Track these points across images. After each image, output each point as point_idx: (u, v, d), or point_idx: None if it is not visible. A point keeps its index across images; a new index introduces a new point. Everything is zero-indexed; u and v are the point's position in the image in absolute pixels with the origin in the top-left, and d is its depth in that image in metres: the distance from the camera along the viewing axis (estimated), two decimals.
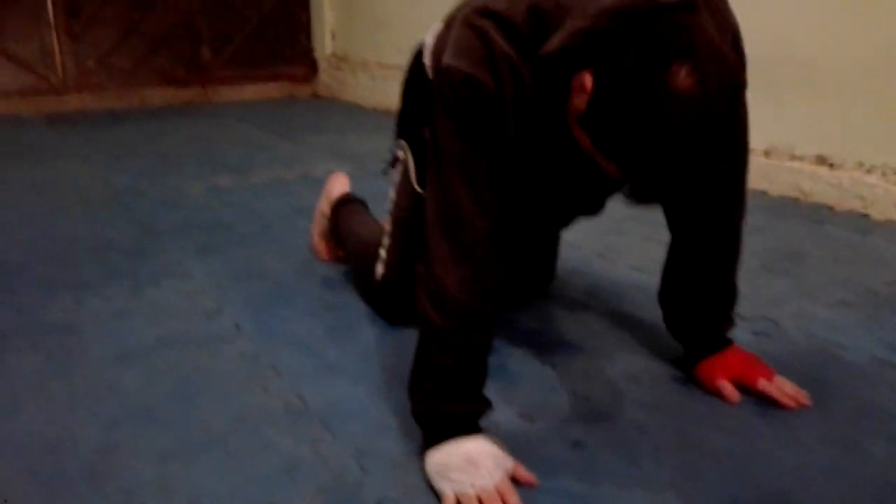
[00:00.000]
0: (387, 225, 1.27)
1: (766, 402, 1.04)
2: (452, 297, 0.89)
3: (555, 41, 0.78)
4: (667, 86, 0.69)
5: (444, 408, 0.90)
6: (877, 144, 1.89)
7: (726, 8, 0.92)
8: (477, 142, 0.87)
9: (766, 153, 2.16)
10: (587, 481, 0.89)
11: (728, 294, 1.12)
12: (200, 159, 2.69)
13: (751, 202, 1.88)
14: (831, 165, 2.01)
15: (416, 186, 1.17)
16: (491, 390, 1.08)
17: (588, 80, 0.74)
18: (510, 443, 0.95)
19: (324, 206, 1.60)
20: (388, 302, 1.29)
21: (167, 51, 4.16)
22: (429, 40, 1.06)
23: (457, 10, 0.95)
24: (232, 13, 4.25)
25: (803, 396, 1.04)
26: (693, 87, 0.69)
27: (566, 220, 1.23)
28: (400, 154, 1.23)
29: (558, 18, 0.81)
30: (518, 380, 1.13)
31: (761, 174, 2.15)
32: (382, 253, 1.26)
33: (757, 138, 2.16)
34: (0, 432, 0.99)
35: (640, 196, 0.80)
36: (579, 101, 0.77)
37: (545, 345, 1.24)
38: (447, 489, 0.85)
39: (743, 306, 1.35)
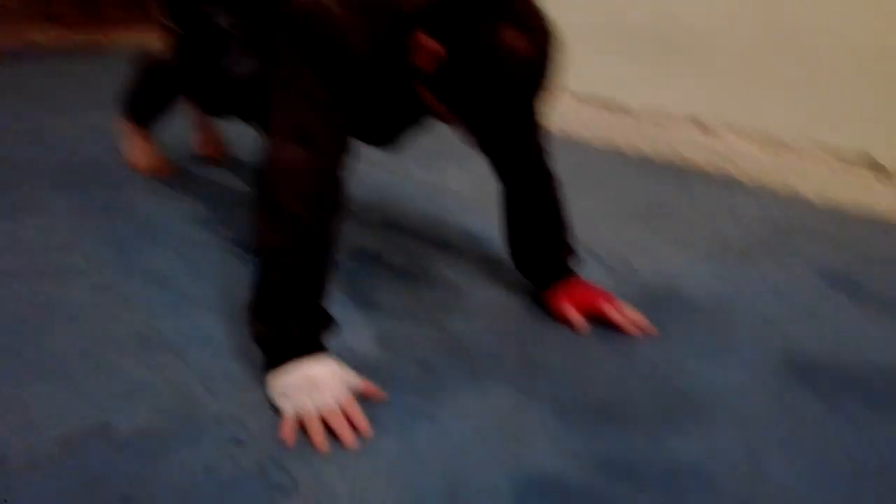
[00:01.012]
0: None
1: (610, 329, 1.11)
2: (288, 213, 0.89)
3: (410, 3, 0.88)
4: (507, 53, 0.82)
5: (284, 330, 0.91)
6: (749, 109, 2.00)
7: None
8: (324, 71, 0.90)
9: (648, 116, 2.25)
10: (431, 398, 0.92)
11: (558, 223, 1.18)
12: (80, 100, 2.54)
13: (629, 164, 1.96)
14: (705, 130, 2.12)
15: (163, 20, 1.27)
16: (353, 318, 1.10)
17: (437, 47, 0.85)
18: (363, 366, 0.97)
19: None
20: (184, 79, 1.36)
21: None
22: None
23: None
24: None
25: (647, 325, 1.12)
26: (527, 50, 0.83)
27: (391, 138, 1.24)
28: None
29: None
30: (379, 309, 1.15)
31: (642, 137, 2.25)
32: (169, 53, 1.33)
33: (639, 102, 2.25)
34: None
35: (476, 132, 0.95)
36: (424, 63, 0.87)
37: (410, 279, 1.27)
38: (288, 408, 0.86)
39: (600, 248, 1.43)
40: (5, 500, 0.73)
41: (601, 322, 1.12)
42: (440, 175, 1.83)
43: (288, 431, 0.84)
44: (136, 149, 1.73)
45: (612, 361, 1.03)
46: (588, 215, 1.62)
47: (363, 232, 1.45)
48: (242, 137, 1.79)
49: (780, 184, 1.94)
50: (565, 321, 1.12)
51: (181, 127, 1.86)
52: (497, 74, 0.83)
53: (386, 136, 1.17)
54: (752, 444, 0.86)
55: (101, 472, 0.77)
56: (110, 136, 1.89)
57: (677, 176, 2.01)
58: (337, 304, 1.15)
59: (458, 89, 0.86)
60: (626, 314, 1.12)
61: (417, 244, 1.43)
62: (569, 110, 2.44)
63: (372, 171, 1.80)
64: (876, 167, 1.79)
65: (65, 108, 2.39)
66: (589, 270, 1.32)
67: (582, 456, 0.83)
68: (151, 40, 4.13)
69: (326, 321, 0.95)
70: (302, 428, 0.85)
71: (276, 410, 0.88)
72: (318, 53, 0.89)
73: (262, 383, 0.92)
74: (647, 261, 1.40)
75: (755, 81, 1.97)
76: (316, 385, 0.87)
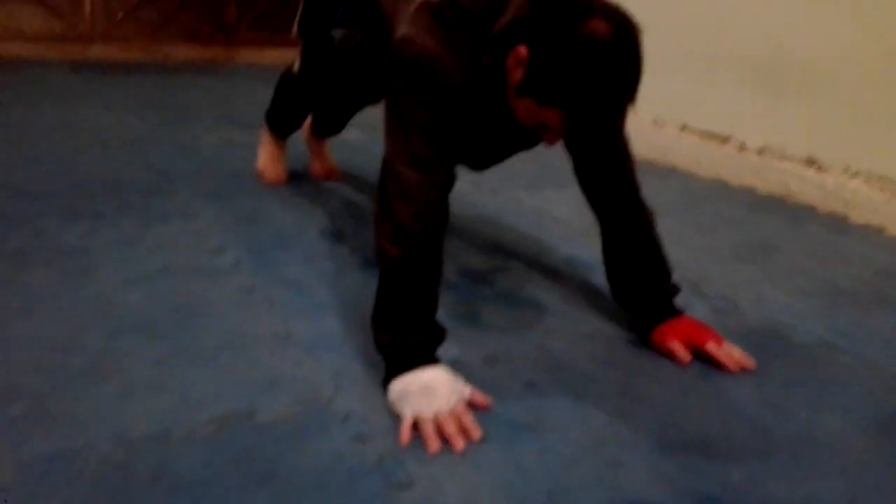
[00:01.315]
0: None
1: (712, 366, 1.14)
2: (406, 228, 1.00)
3: (496, 27, 0.96)
4: (589, 35, 0.87)
5: (404, 338, 1.01)
6: (863, 149, 1.97)
7: None
8: (434, 109, 1.01)
9: (759, 152, 2.24)
10: (535, 414, 1.00)
11: (660, 261, 1.23)
12: (217, 114, 2.79)
13: (738, 198, 1.97)
14: (819, 167, 2.09)
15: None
16: (460, 334, 1.19)
17: (522, 50, 0.92)
18: (471, 380, 1.06)
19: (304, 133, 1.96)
20: (305, 80, 1.63)
21: (194, 8, 4.25)
22: None
23: None
24: None
25: (748, 362, 1.14)
26: (609, 31, 0.88)
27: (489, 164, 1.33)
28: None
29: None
30: (487, 330, 1.23)
31: (752, 171, 2.23)
32: (297, 61, 1.62)
33: (752, 136, 2.25)
34: (13, 331, 1.11)
35: (577, 136, 1.04)
36: (516, 73, 0.94)
37: (518, 303, 1.34)
38: (407, 412, 0.96)
39: (707, 286, 1.46)
40: (5, 501, 0.78)
41: (703, 358, 1.15)
42: (546, 202, 1.90)
43: (405, 432, 0.93)
44: (266, 157, 1.92)
45: (712, 398, 1.06)
46: (696, 251, 1.65)
47: (471, 253, 1.55)
48: (351, 162, 1.94)
49: (893, 227, 1.88)
50: (668, 353, 1.16)
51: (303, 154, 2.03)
52: (583, 60, 0.87)
53: (490, 158, 1.27)
54: (852, 492, 0.88)
55: (247, 451, 0.89)
56: (247, 150, 2.09)
57: (788, 215, 1.99)
58: (445, 319, 1.25)
59: (547, 83, 0.91)
60: (728, 351, 1.15)
61: (522, 267, 1.50)
62: (679, 143, 2.45)
63: (481, 196, 1.89)
64: None
65: (206, 123, 2.63)
66: (694, 309, 1.35)
67: (680, 488, 0.87)
68: (272, 59, 4.44)
69: (440, 332, 1.04)
70: (416, 430, 0.94)
71: (394, 413, 0.98)
72: (429, 94, 1.00)
73: (382, 386, 1.02)
74: (753, 301, 1.41)
75: (872, 119, 1.93)
76: (432, 391, 0.96)
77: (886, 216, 1.91)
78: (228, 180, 1.93)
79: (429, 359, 1.01)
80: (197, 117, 2.71)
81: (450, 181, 1.06)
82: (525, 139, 1.11)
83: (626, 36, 0.89)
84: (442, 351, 1.13)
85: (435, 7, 1.01)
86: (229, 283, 1.33)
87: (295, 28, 1.55)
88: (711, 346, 1.14)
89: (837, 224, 1.94)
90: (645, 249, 1.22)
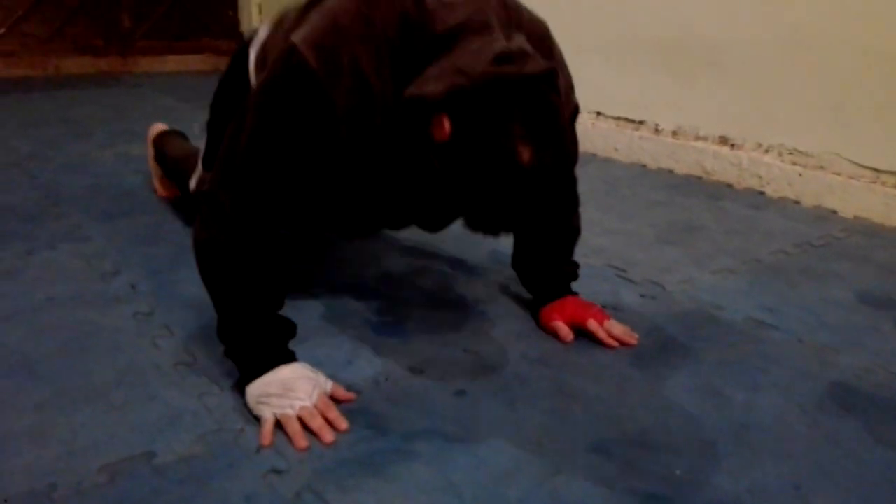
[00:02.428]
0: (202, 145, 1.40)
1: (642, 356, 1.10)
2: (230, 214, 0.92)
3: (430, 86, 0.82)
4: (512, 158, 0.78)
5: (251, 341, 0.95)
6: (773, 125, 1.99)
7: (568, 77, 1.02)
8: (294, 135, 0.89)
9: (674, 133, 2.24)
10: (465, 425, 0.93)
11: (561, 244, 1.22)
12: (113, 128, 2.61)
13: (656, 180, 1.97)
14: (732, 145, 2.11)
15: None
16: (385, 347, 1.11)
17: (446, 124, 0.80)
18: (397, 392, 0.98)
19: (150, 149, 1.76)
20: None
21: (84, 19, 4.00)
22: (253, 54, 1.17)
23: (289, 12, 1.04)
24: None
25: (630, 337, 1.14)
26: (532, 162, 0.78)
27: (391, 226, 1.22)
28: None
29: (426, 24, 0.87)
30: (412, 337, 1.16)
31: (668, 154, 2.24)
32: (199, 167, 1.39)
33: (665, 119, 2.26)
34: None
35: (475, 228, 0.87)
36: (439, 136, 0.81)
37: (442, 305, 1.27)
38: (267, 413, 0.90)
39: (633, 272, 1.43)
40: (5, 500, 0.74)
41: (586, 335, 1.15)
42: None
43: (267, 434, 0.88)
44: (157, 182, 1.81)
45: (648, 390, 1.02)
46: (620, 237, 1.62)
47: (391, 255, 1.47)
48: None
49: (809, 200, 1.92)
50: (552, 332, 1.15)
51: None
52: (499, 179, 0.80)
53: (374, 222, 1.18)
54: (797, 478, 0.85)
55: (145, 499, 0.78)
56: (144, 163, 1.94)
57: (707, 194, 2.00)
58: (367, 328, 1.17)
59: (460, 175, 0.81)
60: (609, 328, 1.14)
61: (446, 267, 1.43)
62: (595, 130, 2.44)
63: None
64: None
65: (100, 137, 2.45)
66: (623, 296, 1.31)
67: (621, 489, 0.82)
68: (174, 66, 4.23)
69: (289, 326, 0.99)
70: (283, 430, 0.88)
71: (257, 420, 0.91)
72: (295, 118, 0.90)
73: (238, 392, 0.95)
74: (680, 284, 1.39)
75: (780, 95, 1.96)
76: (290, 387, 0.91)
77: (801, 189, 1.94)
78: (123, 198, 1.78)
79: (280, 355, 0.95)
80: (89, 133, 2.53)
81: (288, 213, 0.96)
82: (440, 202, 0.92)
83: (545, 174, 0.80)
84: (365, 363, 1.07)
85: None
86: (123, 310, 1.20)
87: (193, 182, 1.41)
88: (592, 324, 1.14)
89: (755, 199, 1.96)
90: (552, 240, 1.21)
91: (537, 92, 0.80)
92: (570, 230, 1.22)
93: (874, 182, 1.81)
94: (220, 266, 0.95)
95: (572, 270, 1.23)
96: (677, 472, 0.85)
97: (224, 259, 0.94)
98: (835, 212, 1.86)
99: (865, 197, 1.82)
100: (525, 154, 0.78)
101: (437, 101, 0.81)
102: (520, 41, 0.88)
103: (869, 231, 1.74)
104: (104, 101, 3.24)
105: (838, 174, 1.88)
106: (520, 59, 0.82)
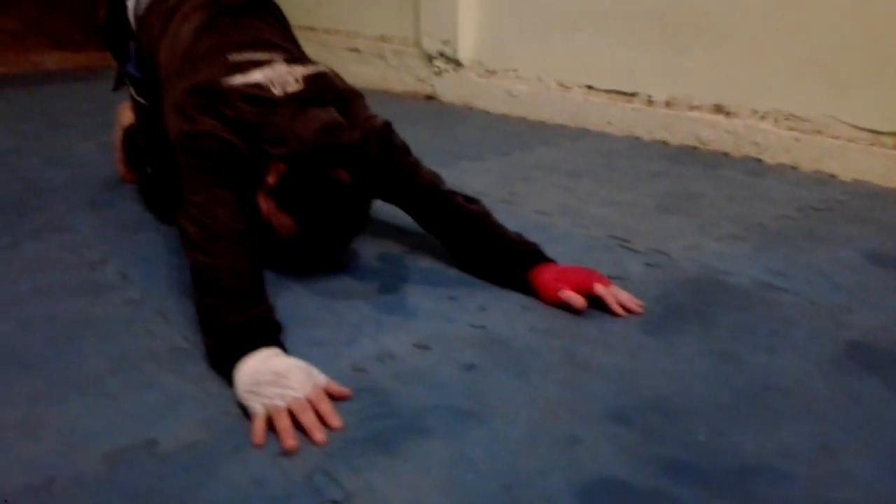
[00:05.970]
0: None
1: (653, 323, 1.07)
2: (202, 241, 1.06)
3: (278, 149, 1.12)
4: (334, 178, 1.11)
5: (230, 332, 0.93)
6: (768, 91, 1.96)
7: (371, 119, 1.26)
8: (223, 182, 1.11)
9: (667, 104, 2.21)
10: (476, 399, 0.89)
11: (502, 228, 1.24)
12: (93, 120, 2.54)
13: (652, 151, 1.94)
14: (727, 113, 2.08)
15: (136, 97, 1.49)
16: (388, 322, 1.08)
17: (282, 168, 1.11)
18: (406, 371, 0.95)
19: (117, 133, 1.74)
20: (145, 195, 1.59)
21: (60, 14, 3.91)
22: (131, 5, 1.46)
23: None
24: None
25: (635, 305, 1.11)
26: (348, 180, 1.11)
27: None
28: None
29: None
30: (415, 314, 1.12)
31: (662, 125, 2.21)
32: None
33: (658, 90, 2.22)
34: None
35: (307, 250, 1.19)
36: (272, 179, 1.12)
37: (443, 282, 1.24)
38: (257, 406, 0.84)
39: (637, 242, 1.40)
40: (6, 500, 0.72)
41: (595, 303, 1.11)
42: (462, 173, 1.80)
43: (258, 431, 0.82)
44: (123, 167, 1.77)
45: (661, 356, 0.99)
46: (619, 208, 1.59)
47: (387, 235, 1.43)
48: None
49: (807, 165, 1.89)
50: (563, 303, 1.10)
51: None
52: (323, 193, 1.11)
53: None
54: (824, 438, 0.82)
55: (148, 489, 0.75)
56: None
57: (705, 163, 1.97)
58: (370, 308, 1.13)
59: (291, 197, 1.12)
60: (619, 298, 1.11)
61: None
62: (587, 103, 2.41)
63: None
64: None
65: (81, 129, 2.39)
66: (628, 266, 1.28)
67: (644, 457, 0.79)
68: None
69: (273, 320, 0.97)
70: (272, 427, 0.83)
71: (245, 413, 0.86)
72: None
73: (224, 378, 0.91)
74: (686, 251, 1.36)
75: (773, 60, 1.93)
76: (284, 378, 0.86)
77: (798, 154, 1.91)
78: (107, 187, 1.73)
79: (266, 340, 0.92)
80: (71, 125, 2.46)
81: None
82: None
83: (359, 187, 1.13)
84: (368, 341, 1.04)
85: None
86: (113, 298, 1.16)
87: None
88: (599, 289, 1.11)
89: (753, 167, 1.94)
90: (487, 227, 1.23)
91: (346, 151, 1.14)
92: (471, 201, 1.25)
93: (873, 144, 1.79)
94: (205, 255, 1.04)
95: (526, 239, 1.21)
96: (700, 437, 0.82)
97: (212, 247, 1.04)
98: (834, 176, 1.83)
99: (864, 159, 1.79)
100: (345, 177, 1.11)
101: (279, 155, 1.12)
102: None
103: (870, 193, 1.71)
104: (84, 94, 3.17)
105: (836, 138, 1.85)
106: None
